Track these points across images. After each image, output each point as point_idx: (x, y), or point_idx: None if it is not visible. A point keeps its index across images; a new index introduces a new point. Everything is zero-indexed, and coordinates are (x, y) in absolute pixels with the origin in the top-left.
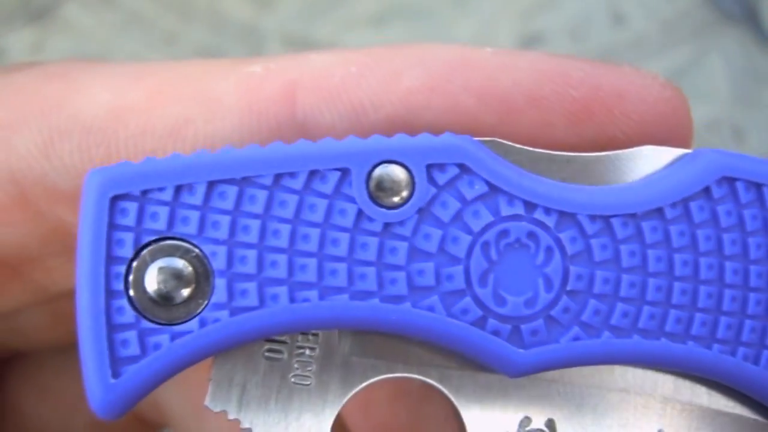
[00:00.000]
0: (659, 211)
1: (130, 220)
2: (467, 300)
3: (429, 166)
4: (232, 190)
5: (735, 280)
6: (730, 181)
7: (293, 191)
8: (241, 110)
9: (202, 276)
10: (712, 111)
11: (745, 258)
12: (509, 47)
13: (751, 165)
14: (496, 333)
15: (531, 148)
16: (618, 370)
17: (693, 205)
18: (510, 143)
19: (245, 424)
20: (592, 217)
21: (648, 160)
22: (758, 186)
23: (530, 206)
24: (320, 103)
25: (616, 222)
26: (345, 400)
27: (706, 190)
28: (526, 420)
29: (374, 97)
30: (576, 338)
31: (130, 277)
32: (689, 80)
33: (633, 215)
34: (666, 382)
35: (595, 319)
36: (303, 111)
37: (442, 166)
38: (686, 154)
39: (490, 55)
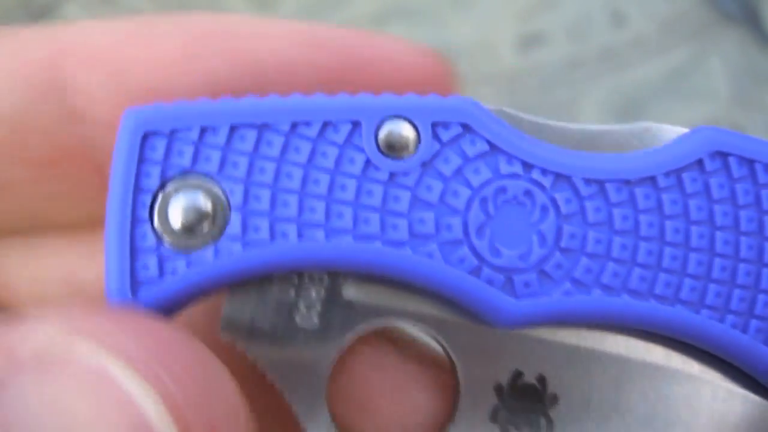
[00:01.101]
0: (652, 179)
1: (158, 155)
2: (464, 249)
3: (434, 124)
4: (251, 134)
5: (725, 250)
6: (723, 155)
7: (308, 138)
8: (7, 75)
9: (220, 210)
10: (712, 111)
11: (736, 230)
12: (509, 47)
13: (745, 142)
14: (490, 282)
15: (535, 118)
16: (610, 336)
17: (686, 176)
18: (515, 112)
19: (251, 355)
20: (587, 181)
21: (650, 136)
22: (750, 162)
23: (528, 166)
24: (84, 69)
25: (610, 186)
26: (345, 341)
27: (699, 163)
28: (518, 373)
29: (133, 63)
30: (567, 293)
31: (156, 207)
32: (689, 80)
33: (627, 181)
34: (657, 351)
35: (586, 276)
36: (68, 76)
37: (446, 125)
38: (684, 133)
39: (246, 23)
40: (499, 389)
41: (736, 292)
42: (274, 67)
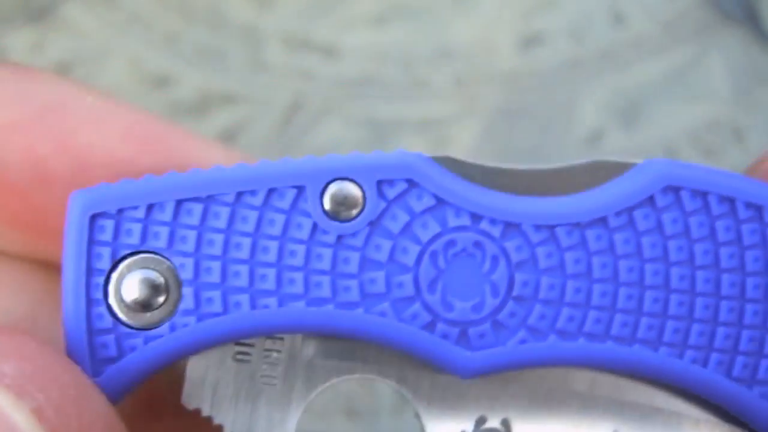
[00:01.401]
0: (603, 220)
1: (107, 235)
2: (417, 306)
3: (379, 182)
4: (197, 208)
5: (681, 285)
6: (675, 189)
7: (253, 207)
8: None
9: (173, 285)
10: (712, 111)
11: (691, 264)
12: (509, 47)
13: (696, 173)
14: (444, 336)
15: (483, 163)
16: (574, 371)
17: (637, 214)
18: (462, 159)
19: (217, 421)
20: (538, 227)
21: (602, 172)
22: (704, 194)
23: (476, 217)
24: None
25: (560, 231)
26: (309, 399)
27: (651, 199)
28: (482, 419)
29: None
30: (523, 341)
31: (109, 287)
32: (689, 80)
33: (577, 224)
34: (624, 385)
35: (541, 323)
36: None
37: (391, 182)
38: (636, 166)
39: (88, 104)
40: None
41: (695, 326)
42: (96, 159)
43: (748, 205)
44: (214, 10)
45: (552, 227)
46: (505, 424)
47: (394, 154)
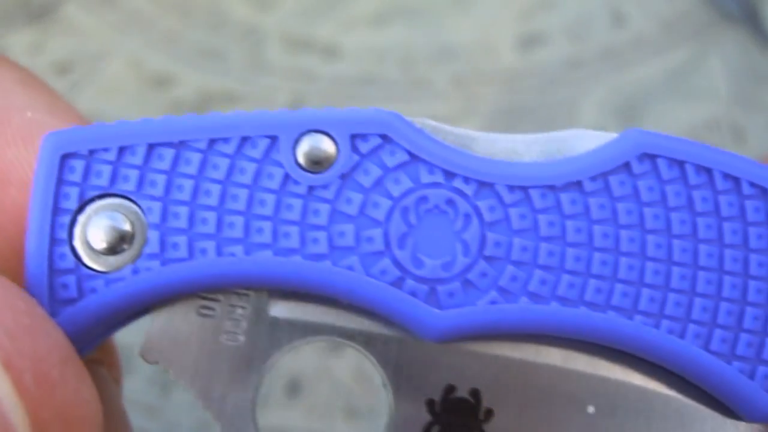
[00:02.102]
0: (578, 184)
1: (76, 176)
2: (386, 261)
3: (353, 136)
4: (169, 152)
5: (657, 253)
6: (651, 157)
7: (225, 155)
8: None
9: (139, 229)
10: (712, 111)
11: (668, 233)
12: (509, 47)
13: (673, 143)
14: (413, 293)
15: (460, 130)
16: (546, 347)
17: (613, 180)
18: (439, 125)
19: (175, 376)
20: (511, 188)
21: (578, 143)
22: (681, 163)
23: (450, 175)
24: None
25: (534, 193)
26: (271, 360)
27: (627, 166)
28: (451, 388)
29: None
30: (493, 302)
31: (75, 229)
32: (689, 80)
33: (551, 187)
34: (599, 362)
35: (512, 284)
36: None
37: (365, 137)
38: (615, 137)
39: (26, 119)
40: (431, 405)
41: (671, 296)
42: (16, 178)
43: (726, 177)
44: (214, 10)
45: (526, 188)
46: (475, 394)
47: (369, 110)
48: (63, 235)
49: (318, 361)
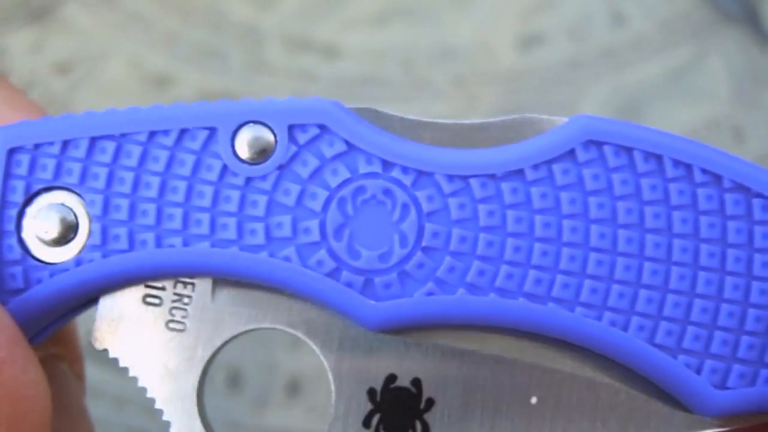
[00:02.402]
0: (520, 172)
1: (22, 170)
2: (322, 252)
3: (291, 127)
4: (111, 145)
5: (601, 244)
6: (598, 144)
7: (165, 147)
8: None
9: (83, 222)
10: (712, 111)
11: (613, 222)
12: (509, 47)
13: (620, 128)
14: (349, 285)
15: (405, 116)
16: (491, 336)
17: (556, 168)
18: (383, 111)
19: (123, 363)
20: (450, 177)
21: (528, 128)
22: (628, 150)
23: (388, 165)
24: None
25: (474, 182)
26: (216, 348)
27: (571, 153)
28: (392, 377)
29: None
30: (430, 293)
31: (23, 221)
32: (689, 80)
33: (492, 176)
34: (545, 353)
35: (450, 275)
36: None
37: (303, 126)
38: (563, 122)
39: None
40: (372, 394)
41: (614, 287)
42: None
43: (677, 163)
44: (214, 10)
45: (466, 177)
46: (416, 384)
47: (307, 99)
48: (10, 227)
49: (318, 361)
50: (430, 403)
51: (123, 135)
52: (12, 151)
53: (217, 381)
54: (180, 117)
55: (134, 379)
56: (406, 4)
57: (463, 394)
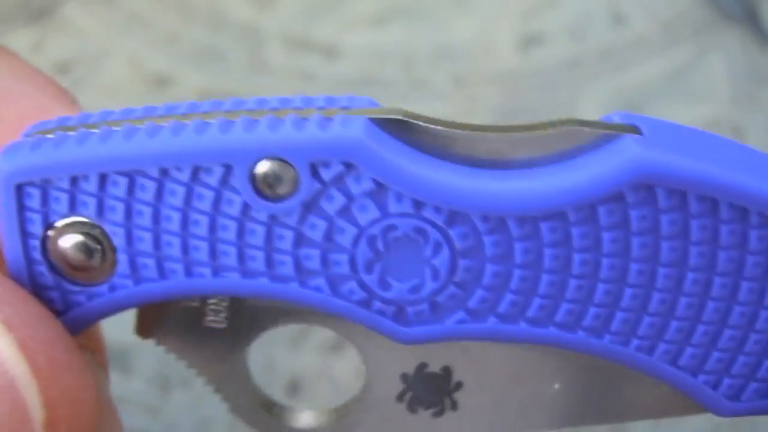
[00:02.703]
0: (561, 214)
1: (36, 202)
2: (353, 284)
3: (313, 164)
4: (122, 180)
5: (639, 280)
6: (649, 186)
7: (180, 183)
8: None
9: (108, 249)
10: (712, 111)
11: (654, 260)
12: (509, 47)
13: (675, 168)
14: (381, 313)
15: (439, 127)
16: None
17: (601, 209)
18: (416, 121)
19: (168, 351)
20: (486, 217)
21: (567, 143)
22: (682, 192)
23: (419, 204)
24: None
25: (512, 222)
26: (254, 341)
27: (619, 195)
28: (423, 365)
29: None
30: (461, 321)
31: (48, 247)
32: (689, 80)
33: (532, 217)
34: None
35: (481, 306)
36: None
37: (327, 163)
38: (610, 141)
39: None
40: (405, 377)
41: (646, 319)
42: None
43: (732, 207)
44: (214, 10)
45: (502, 218)
46: (446, 370)
47: (331, 131)
48: (37, 255)
49: (318, 361)
50: (459, 385)
51: (134, 170)
52: (20, 186)
53: None
54: (191, 153)
55: (187, 392)
56: (406, 4)
57: (490, 379)
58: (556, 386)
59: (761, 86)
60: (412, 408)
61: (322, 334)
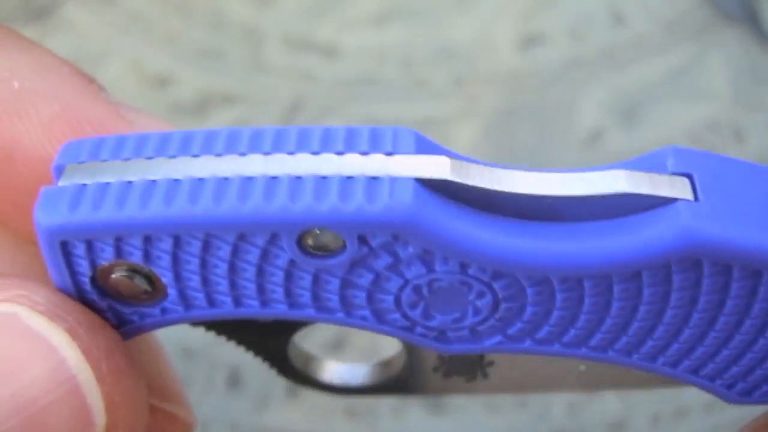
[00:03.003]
0: (606, 275)
1: (81, 252)
2: (397, 315)
3: (361, 235)
4: (167, 240)
5: (672, 320)
6: (696, 260)
7: (226, 242)
8: None
9: (158, 283)
10: (712, 111)
11: (691, 307)
12: (509, 47)
13: (724, 242)
14: (423, 336)
15: (487, 187)
16: None
17: (645, 274)
18: (465, 182)
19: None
20: (530, 276)
21: (616, 207)
22: (728, 266)
23: (465, 265)
24: None
25: (555, 279)
26: (297, 334)
27: (666, 263)
28: None
29: None
30: (499, 343)
31: (97, 281)
32: (689, 80)
33: (576, 278)
34: None
35: (519, 333)
36: None
37: (375, 234)
38: (661, 206)
39: (14, 90)
40: (441, 357)
41: (674, 345)
42: (18, 154)
43: None
44: (214, 10)
45: (546, 276)
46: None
47: (379, 202)
48: (87, 287)
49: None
50: (491, 362)
51: (178, 235)
52: (64, 243)
53: (217, 381)
54: (235, 224)
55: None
56: (406, 4)
57: (521, 360)
58: (582, 368)
59: (761, 86)
60: (447, 375)
61: (322, 333)
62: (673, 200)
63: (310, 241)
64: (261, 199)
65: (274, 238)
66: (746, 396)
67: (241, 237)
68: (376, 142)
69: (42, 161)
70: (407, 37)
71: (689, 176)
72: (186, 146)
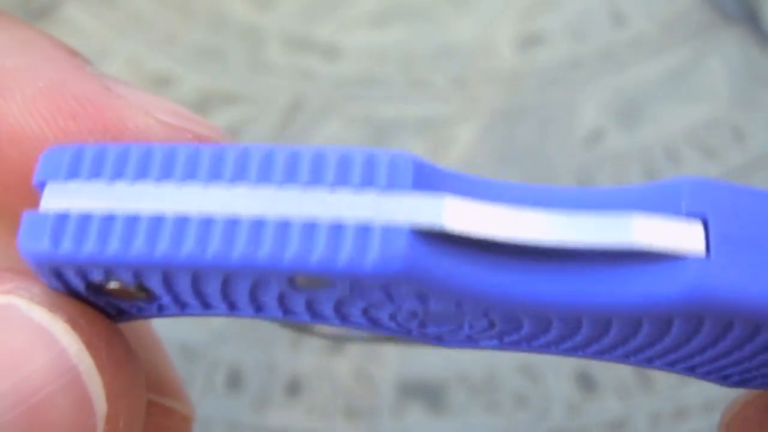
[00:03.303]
0: (606, 320)
1: (71, 271)
2: (393, 324)
3: (351, 284)
4: (158, 272)
5: (670, 344)
6: (699, 315)
7: (216, 277)
8: None
9: (152, 292)
10: (712, 111)
11: (690, 340)
12: (509, 47)
13: (731, 308)
14: (421, 337)
15: (486, 238)
16: None
17: (645, 320)
18: (459, 232)
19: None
20: (532, 317)
21: (625, 260)
22: (729, 321)
23: (460, 303)
24: None
25: (555, 320)
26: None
27: (668, 317)
28: None
29: None
30: (495, 345)
31: (92, 288)
32: (689, 80)
33: (576, 318)
34: None
35: (516, 340)
36: None
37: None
38: (671, 262)
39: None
40: None
41: (671, 356)
42: (3, 134)
43: None
44: (214, 10)
45: (548, 317)
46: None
47: (370, 256)
48: (83, 292)
49: (318, 361)
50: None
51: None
52: (53, 267)
53: (217, 381)
54: (223, 269)
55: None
56: (406, 4)
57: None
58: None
59: (761, 86)
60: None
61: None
62: (683, 258)
63: (300, 279)
64: (248, 246)
65: (263, 277)
66: (741, 384)
67: (229, 274)
68: (371, 174)
69: (29, 140)
70: (407, 37)
71: (704, 219)
72: (168, 167)
